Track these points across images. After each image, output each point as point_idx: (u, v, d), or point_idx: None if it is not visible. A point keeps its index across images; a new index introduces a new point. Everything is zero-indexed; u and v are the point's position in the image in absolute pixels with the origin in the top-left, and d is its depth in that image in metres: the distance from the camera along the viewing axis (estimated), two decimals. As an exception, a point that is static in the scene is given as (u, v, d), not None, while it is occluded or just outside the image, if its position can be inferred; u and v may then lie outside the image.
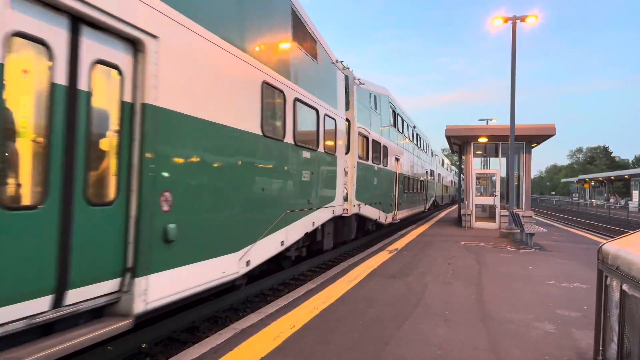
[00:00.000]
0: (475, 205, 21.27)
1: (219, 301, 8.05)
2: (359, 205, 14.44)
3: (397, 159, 20.82)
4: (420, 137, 30.33)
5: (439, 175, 43.01)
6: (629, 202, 57.35)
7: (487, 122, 38.43)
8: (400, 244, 14.29)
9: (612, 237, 4.97)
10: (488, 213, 22.34)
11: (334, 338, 5.32)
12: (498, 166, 22.93)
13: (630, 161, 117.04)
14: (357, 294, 7.55)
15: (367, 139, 15.87)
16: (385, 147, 18.51)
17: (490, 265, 10.55)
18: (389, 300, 7.16)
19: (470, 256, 11.90)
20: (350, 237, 14.66)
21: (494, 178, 23.22)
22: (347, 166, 13.46)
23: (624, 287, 3.77)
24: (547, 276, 9.39)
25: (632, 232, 4.63)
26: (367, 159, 15.78)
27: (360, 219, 15.55)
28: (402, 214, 21.97)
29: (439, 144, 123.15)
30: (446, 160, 56.62)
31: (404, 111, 24.04)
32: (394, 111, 21.03)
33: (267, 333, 5.47)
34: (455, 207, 42.91)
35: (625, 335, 3.79)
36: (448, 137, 22.06)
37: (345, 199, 13.31)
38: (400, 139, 22.10)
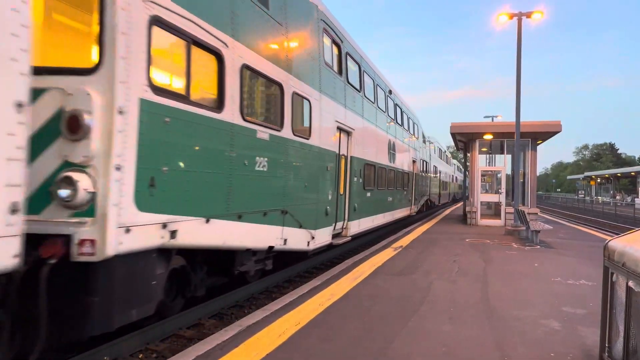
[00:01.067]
0: (481, 202, 21.22)
1: (224, 298, 8.08)
2: (164, 225, 5.52)
3: (346, 133, 12.69)
4: (403, 112, 21.45)
5: (435, 167, 34.79)
6: (635, 199, 57.04)
7: (493, 119, 38.29)
8: (404, 241, 14.28)
9: (618, 234, 4.95)
10: (493, 210, 22.30)
11: (339, 335, 5.33)
12: (503, 163, 22.84)
13: (636, 158, 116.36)
14: (361, 291, 7.55)
15: (220, 58, 6.75)
16: (300, 98, 9.50)
17: (495, 263, 10.53)
18: (394, 297, 7.16)
19: (475, 254, 11.88)
20: (86, 334, 4.89)
21: (499, 175, 23.15)
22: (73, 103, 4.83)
23: (630, 283, 3.75)
24: (553, 273, 9.35)
25: (639, 229, 4.60)
26: (221, 106, 6.71)
27: (194, 256, 6.82)
28: (361, 224, 14.19)
29: (444, 141, 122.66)
30: (445, 150, 46.69)
31: (364, 57, 15.10)
32: (337, 45, 12.17)
33: (272, 330, 5.48)
34: (456, 206, 42.38)
35: (631, 332, 3.77)
36: (453, 134, 22.00)
37: (79, 211, 4.77)
38: (355, 101, 13.53)
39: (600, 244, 5.08)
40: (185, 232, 5.95)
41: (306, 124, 9.94)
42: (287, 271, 10.54)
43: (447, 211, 33.34)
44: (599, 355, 4.51)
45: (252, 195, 7.67)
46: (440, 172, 38.34)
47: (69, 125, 4.75)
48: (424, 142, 29.23)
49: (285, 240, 8.92)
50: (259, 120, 8.01)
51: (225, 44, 6.84)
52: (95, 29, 4.94)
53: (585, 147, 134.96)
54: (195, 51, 6.21)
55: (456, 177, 56.21)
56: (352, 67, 13.44)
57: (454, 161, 58.07)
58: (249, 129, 7.48)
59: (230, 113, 6.95)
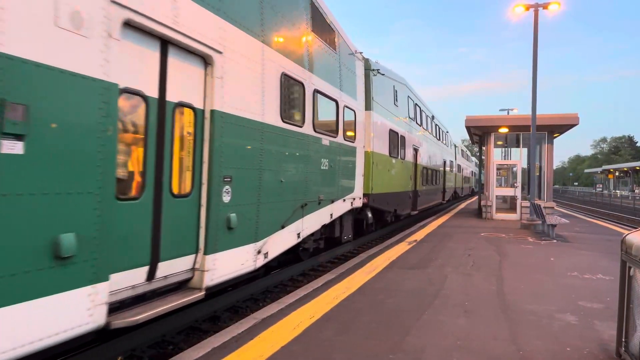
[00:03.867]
0: (496, 196, 21.04)
1: (240, 291, 8.16)
2: None
3: None
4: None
5: (399, 137, 17.59)
6: (655, 192, 56.03)
7: (508, 112, 37.82)
8: (419, 235, 14.24)
9: (637, 228, 4.88)
10: (509, 204, 22.10)
11: (354, 328, 5.35)
12: (519, 157, 22.59)
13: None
14: (376, 284, 7.57)
15: None
16: None
17: (510, 257, 10.45)
18: (408, 291, 7.16)
19: (490, 247, 11.80)
20: None
21: (514, 169, 22.92)
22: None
23: (648, 278, 3.71)
24: (569, 268, 9.26)
25: (657, 222, 4.55)
26: None
27: None
28: None
29: (459, 135, 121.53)
30: (432, 115, 26.13)
31: None
32: None
33: (287, 323, 5.53)
34: (468, 202, 41.33)
35: (649, 327, 3.74)
36: (468, 128, 21.81)
37: None
38: None
39: (617, 238, 5.03)
40: None
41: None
42: (301, 265, 10.59)
43: (462, 205, 33.11)
44: (616, 349, 4.47)
45: None
46: (416, 151, 20.83)
47: None
48: (351, 55, 12.40)
49: None
50: None
51: None
52: None
53: (603, 140, 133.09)
54: None
55: (459, 165, 40.11)
56: None
57: (458, 143, 41.38)
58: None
59: None
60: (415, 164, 20.76)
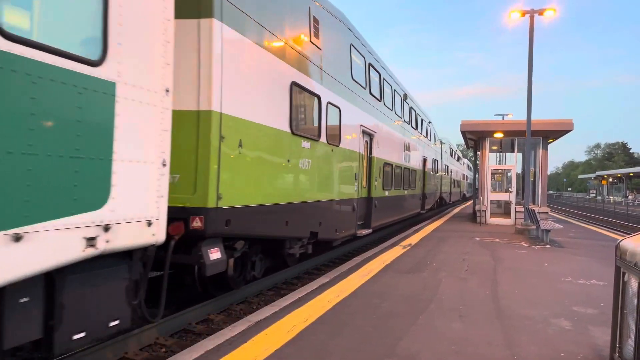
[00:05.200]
0: (490, 201, 21.10)
1: (233, 294, 8.13)
2: None
3: None
4: None
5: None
6: (648, 199, 56.39)
7: (503, 117, 38.01)
8: (414, 239, 14.24)
9: (630, 234, 4.90)
10: (503, 209, 22.18)
11: (348, 332, 5.33)
12: (514, 162, 22.71)
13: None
14: (371, 288, 7.55)
15: None
16: None
17: (505, 262, 10.47)
18: (403, 295, 7.15)
19: (485, 252, 11.82)
20: None
21: (509, 174, 23.01)
22: None
23: (643, 283, 3.71)
24: (564, 273, 9.28)
25: (652, 228, 4.56)
26: None
27: None
28: None
29: (454, 139, 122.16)
30: (402, 91, 19.16)
31: None
32: None
33: (281, 326, 5.50)
34: (459, 208, 41.44)
35: (643, 333, 3.73)
36: (463, 133, 21.88)
37: None
38: None
39: (611, 244, 5.05)
40: None
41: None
42: (295, 268, 10.56)
43: (456, 210, 33.16)
44: (610, 355, 4.47)
45: None
46: (371, 137, 14.03)
47: None
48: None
49: None
50: None
51: None
52: None
53: (597, 146, 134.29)
54: None
55: (446, 166, 33.01)
56: None
57: (449, 141, 33.92)
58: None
59: None
60: (369, 158, 13.88)
